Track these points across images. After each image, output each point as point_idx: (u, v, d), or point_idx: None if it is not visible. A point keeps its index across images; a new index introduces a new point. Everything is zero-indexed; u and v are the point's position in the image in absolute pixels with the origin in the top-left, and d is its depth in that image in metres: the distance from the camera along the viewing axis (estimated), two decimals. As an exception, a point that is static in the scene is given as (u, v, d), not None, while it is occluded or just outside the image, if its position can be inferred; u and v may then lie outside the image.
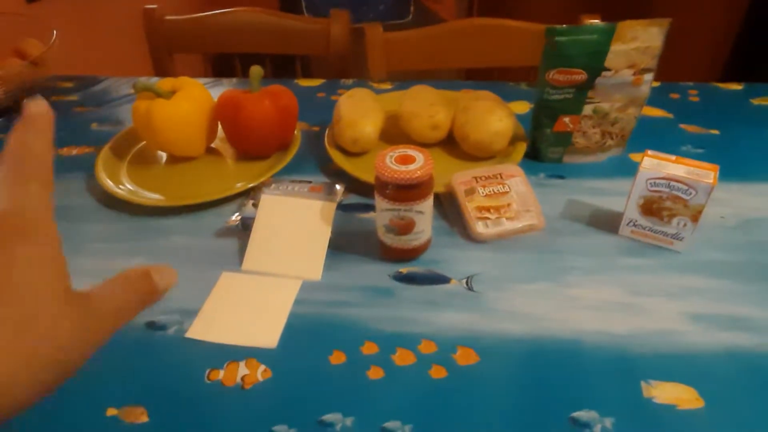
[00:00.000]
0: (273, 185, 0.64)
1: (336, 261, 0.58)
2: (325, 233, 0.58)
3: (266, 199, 0.61)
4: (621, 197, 0.61)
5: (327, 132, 0.76)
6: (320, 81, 0.98)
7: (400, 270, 0.57)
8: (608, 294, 0.54)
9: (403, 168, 0.51)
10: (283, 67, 1.29)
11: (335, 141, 0.74)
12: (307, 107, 0.90)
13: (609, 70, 0.65)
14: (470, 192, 0.63)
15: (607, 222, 0.62)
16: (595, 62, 0.64)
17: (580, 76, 0.65)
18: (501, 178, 0.64)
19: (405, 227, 0.55)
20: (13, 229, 0.21)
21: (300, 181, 0.66)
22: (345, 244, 0.60)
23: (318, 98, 0.93)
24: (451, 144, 0.74)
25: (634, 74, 0.65)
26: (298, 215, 0.60)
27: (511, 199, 0.62)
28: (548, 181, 0.70)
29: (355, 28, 1.07)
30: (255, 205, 0.62)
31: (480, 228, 0.60)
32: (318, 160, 0.75)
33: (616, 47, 0.63)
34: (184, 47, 1.15)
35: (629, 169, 0.68)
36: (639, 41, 0.63)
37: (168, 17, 1.12)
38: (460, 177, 0.64)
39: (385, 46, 1.00)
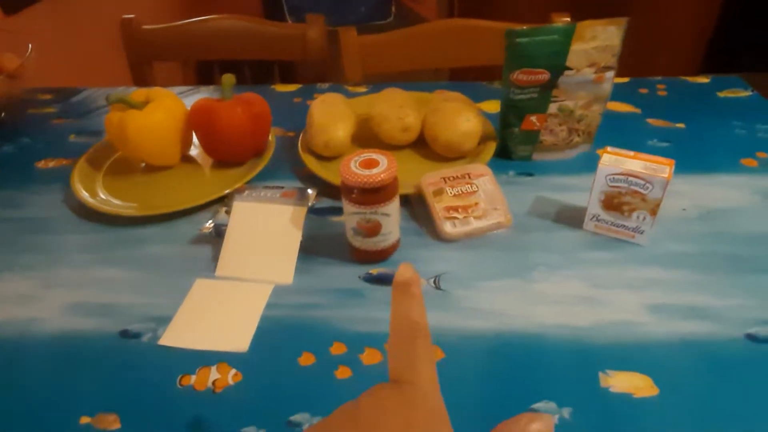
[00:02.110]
0: (246, 192, 0.66)
1: (308, 264, 0.59)
2: (296, 238, 0.60)
3: (238, 206, 0.62)
4: (587, 193, 0.62)
5: (301, 137, 0.78)
6: (297, 86, 0.99)
7: (371, 271, 0.59)
8: (571, 288, 0.55)
9: (367, 172, 0.53)
10: (264, 72, 1.31)
11: (308, 146, 0.75)
12: (283, 112, 0.91)
13: (571, 69, 0.66)
14: (439, 192, 0.64)
15: (573, 217, 0.64)
16: (556, 62, 0.66)
17: (543, 75, 0.67)
18: (469, 177, 0.66)
19: (372, 230, 0.56)
20: (408, 400, 0.25)
21: (273, 187, 0.67)
22: (317, 247, 0.61)
23: (294, 103, 0.94)
24: (422, 145, 0.75)
25: (596, 72, 0.67)
26: (270, 221, 0.61)
27: (479, 198, 0.64)
28: (518, 179, 0.72)
29: (332, 32, 1.09)
30: (228, 212, 0.63)
31: (448, 228, 0.61)
32: (293, 164, 0.76)
33: (576, 47, 0.65)
34: (163, 56, 1.16)
35: (596, 165, 0.70)
36: (598, 40, 0.65)
37: (146, 26, 1.13)
38: (428, 178, 0.66)
39: (361, 49, 1.02)
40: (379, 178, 0.52)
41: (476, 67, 1.09)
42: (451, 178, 0.66)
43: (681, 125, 0.81)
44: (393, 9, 1.98)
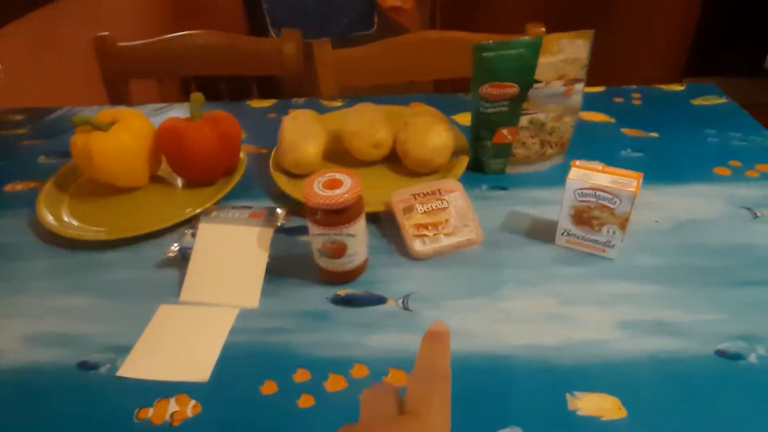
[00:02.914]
0: (214, 213, 0.65)
1: (275, 286, 0.58)
2: (262, 260, 0.59)
3: (204, 228, 0.61)
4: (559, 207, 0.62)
5: (272, 155, 0.77)
6: (272, 101, 0.99)
7: (338, 292, 0.58)
8: (540, 305, 0.54)
9: (330, 193, 0.52)
10: (242, 87, 1.30)
11: (279, 164, 0.74)
12: (257, 129, 0.90)
13: (540, 82, 0.66)
14: (408, 210, 0.63)
15: (545, 232, 0.63)
16: (525, 75, 0.65)
17: (513, 89, 0.66)
18: (439, 193, 0.65)
19: (337, 251, 0.55)
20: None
21: (241, 207, 0.66)
22: (285, 268, 0.60)
23: (269, 119, 0.93)
24: (395, 161, 0.75)
25: (565, 85, 0.67)
26: (236, 243, 0.60)
27: (449, 214, 0.63)
28: (490, 193, 0.71)
29: (308, 45, 1.08)
30: (194, 235, 0.62)
31: (418, 246, 0.60)
32: (265, 183, 0.75)
33: (544, 60, 0.64)
34: (139, 73, 1.15)
35: (570, 177, 0.70)
36: (566, 53, 0.64)
37: (121, 44, 1.12)
38: (398, 195, 0.65)
39: (336, 63, 1.01)
40: (342, 199, 0.51)
41: (460, 79, 1.09)
42: (421, 195, 0.65)
43: (654, 134, 0.80)
44: (376, 19, 1.98)
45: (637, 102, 0.89)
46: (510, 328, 0.52)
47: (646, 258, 0.59)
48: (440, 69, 1.06)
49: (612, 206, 0.55)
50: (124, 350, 0.52)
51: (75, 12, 1.50)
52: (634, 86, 0.93)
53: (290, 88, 1.10)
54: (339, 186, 0.53)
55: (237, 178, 0.73)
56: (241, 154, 0.78)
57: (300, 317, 0.55)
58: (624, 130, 0.82)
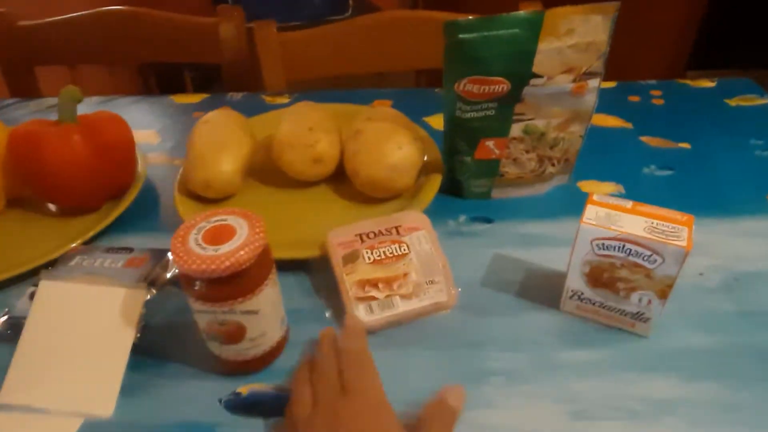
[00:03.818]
0: (76, 259, 0.45)
1: (146, 380, 0.39)
2: (124, 341, 0.39)
3: (45, 287, 0.41)
4: (567, 248, 0.43)
5: (180, 172, 0.57)
6: (201, 96, 0.79)
7: (238, 390, 0.38)
8: (539, 419, 0.36)
9: (212, 252, 0.33)
10: (212, 76, 1.07)
11: (186, 184, 0.55)
12: (175, 132, 0.71)
13: (540, 76, 0.47)
14: (352, 258, 0.44)
15: (546, 290, 0.45)
16: (519, 66, 0.46)
17: (501, 86, 0.47)
18: (397, 233, 0.46)
19: (231, 335, 0.36)
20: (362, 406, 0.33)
21: (118, 250, 0.46)
22: (167, 348, 0.41)
23: (194, 119, 0.73)
24: (343, 181, 0.55)
25: (575, 81, 0.48)
26: (90, 313, 0.41)
27: (410, 265, 0.44)
28: (470, 227, 0.52)
29: (250, 28, 0.88)
30: (32, 297, 0.42)
31: (362, 313, 0.42)
32: (169, 209, 0.56)
33: (545, 45, 0.45)
34: (47, 59, 0.94)
35: (578, 204, 0.50)
36: (577, 36, 0.45)
37: (22, 22, 0.91)
38: (337, 235, 0.46)
39: (281, 48, 0.81)
40: (230, 262, 0.32)
41: (441, 70, 0.90)
42: (371, 236, 0.46)
43: (685, 145, 0.62)
44: (351, 2, 1.78)
45: (658, 102, 0.71)
46: (494, 462, 0.34)
47: (690, 334, 0.41)
48: (416, 57, 0.86)
49: (650, 266, 0.37)
50: None
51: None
52: (653, 81, 0.75)
53: (231, 80, 0.90)
54: (230, 237, 0.34)
55: (126, 204, 0.54)
56: (141, 168, 0.58)
57: (174, 435, 0.36)
58: (645, 138, 0.63)
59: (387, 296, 0.42)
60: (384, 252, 0.44)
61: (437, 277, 0.44)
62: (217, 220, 0.35)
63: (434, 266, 0.44)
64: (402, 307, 0.42)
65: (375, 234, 0.46)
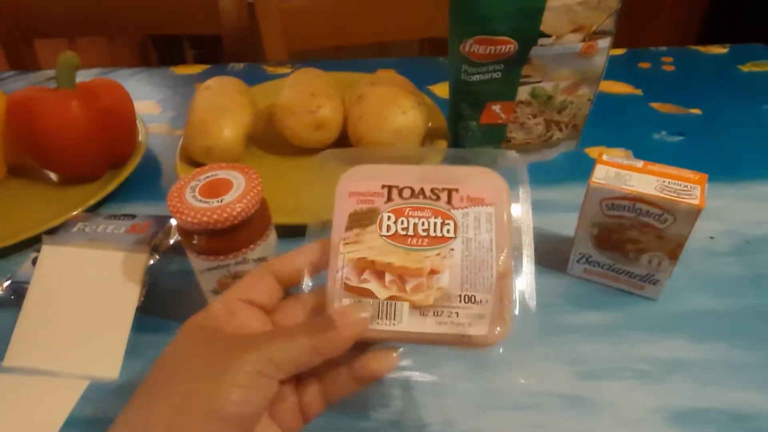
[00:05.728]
0: (78, 225, 0.45)
1: (149, 344, 0.39)
2: (128, 303, 0.39)
3: (48, 252, 0.41)
4: (574, 213, 0.42)
5: (181, 140, 0.56)
6: (202, 67, 0.77)
7: (244, 353, 0.38)
8: (547, 378, 0.36)
9: (216, 203, 0.32)
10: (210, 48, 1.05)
11: (186, 152, 0.54)
12: (178, 103, 0.70)
13: (547, 36, 0.45)
14: (363, 220, 0.29)
15: (553, 254, 0.44)
16: (526, 25, 0.45)
17: (508, 46, 0.46)
18: (448, 200, 0.29)
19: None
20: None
21: (120, 217, 0.46)
22: (171, 312, 0.41)
23: (195, 90, 0.72)
24: (347, 147, 0.54)
25: (584, 40, 0.46)
26: (93, 277, 0.40)
27: (446, 259, 0.28)
28: (476, 194, 0.51)
29: (251, -2, 0.86)
30: (35, 262, 0.42)
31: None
32: (169, 178, 0.56)
33: (554, 2, 0.44)
34: (44, 31, 0.92)
35: (585, 170, 0.49)
36: (587, -9, 0.44)
37: (18, -6, 0.89)
38: (356, 178, 0.31)
39: (282, 17, 0.79)
40: (241, 207, 0.32)
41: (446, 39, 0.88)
42: (405, 192, 0.30)
43: (696, 111, 0.61)
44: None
45: (669, 68, 0.69)
46: (498, 420, 0.34)
47: (701, 297, 0.40)
48: (420, 25, 0.84)
49: (660, 225, 0.36)
50: None
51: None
52: (664, 47, 0.73)
53: (232, 51, 0.88)
54: (227, 188, 0.33)
55: (127, 172, 0.53)
56: (142, 138, 0.58)
57: (179, 397, 0.36)
58: (655, 105, 0.62)
59: (390, 297, 0.27)
60: (416, 226, 0.29)
61: (484, 294, 0.27)
62: (209, 176, 0.34)
63: (485, 273, 0.28)
64: (407, 322, 0.27)
65: (413, 192, 0.29)
